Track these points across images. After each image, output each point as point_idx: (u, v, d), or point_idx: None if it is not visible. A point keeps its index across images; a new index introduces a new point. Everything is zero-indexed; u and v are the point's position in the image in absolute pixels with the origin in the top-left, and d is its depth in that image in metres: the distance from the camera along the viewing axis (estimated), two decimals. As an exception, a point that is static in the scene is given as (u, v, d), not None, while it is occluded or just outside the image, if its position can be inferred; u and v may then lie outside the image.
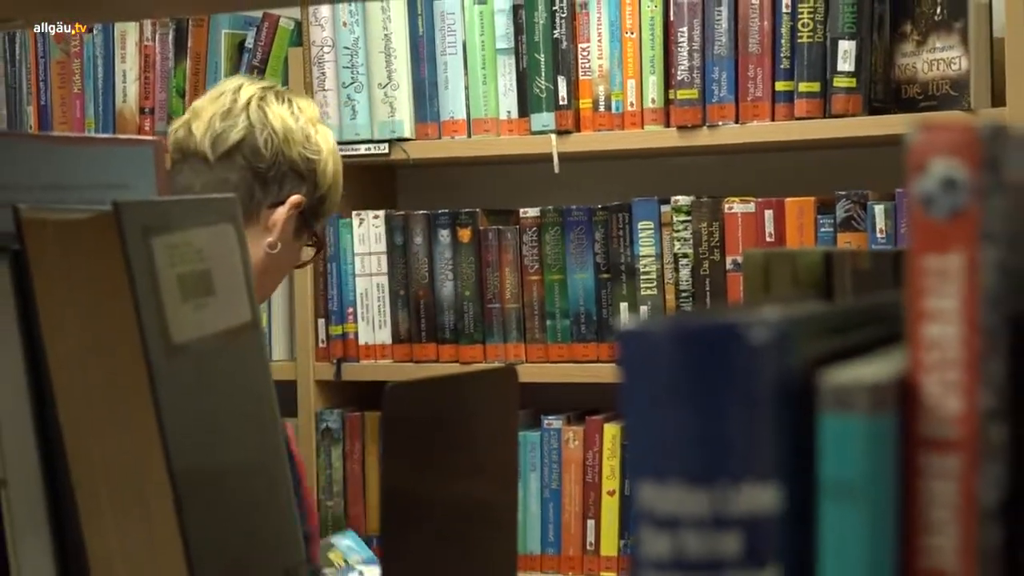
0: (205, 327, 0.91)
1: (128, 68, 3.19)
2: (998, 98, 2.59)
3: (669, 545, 0.44)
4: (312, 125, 2.12)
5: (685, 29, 2.75)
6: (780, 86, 2.70)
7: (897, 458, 0.44)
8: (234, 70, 3.09)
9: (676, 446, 0.43)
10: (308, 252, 2.20)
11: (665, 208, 2.79)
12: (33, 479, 0.88)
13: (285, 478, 1.00)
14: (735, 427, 0.43)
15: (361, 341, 3.01)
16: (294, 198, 2.06)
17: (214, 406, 0.91)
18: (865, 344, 0.49)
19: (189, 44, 3.13)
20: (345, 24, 2.98)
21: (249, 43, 3.10)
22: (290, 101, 2.11)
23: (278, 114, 2.08)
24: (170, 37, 3.15)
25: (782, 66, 2.69)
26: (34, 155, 0.99)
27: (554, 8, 2.83)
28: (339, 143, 2.96)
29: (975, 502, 0.44)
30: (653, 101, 2.77)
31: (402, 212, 3.01)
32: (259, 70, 3.08)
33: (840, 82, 2.65)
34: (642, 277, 2.80)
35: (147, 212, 0.88)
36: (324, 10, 2.96)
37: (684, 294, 2.76)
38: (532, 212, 2.89)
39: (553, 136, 2.83)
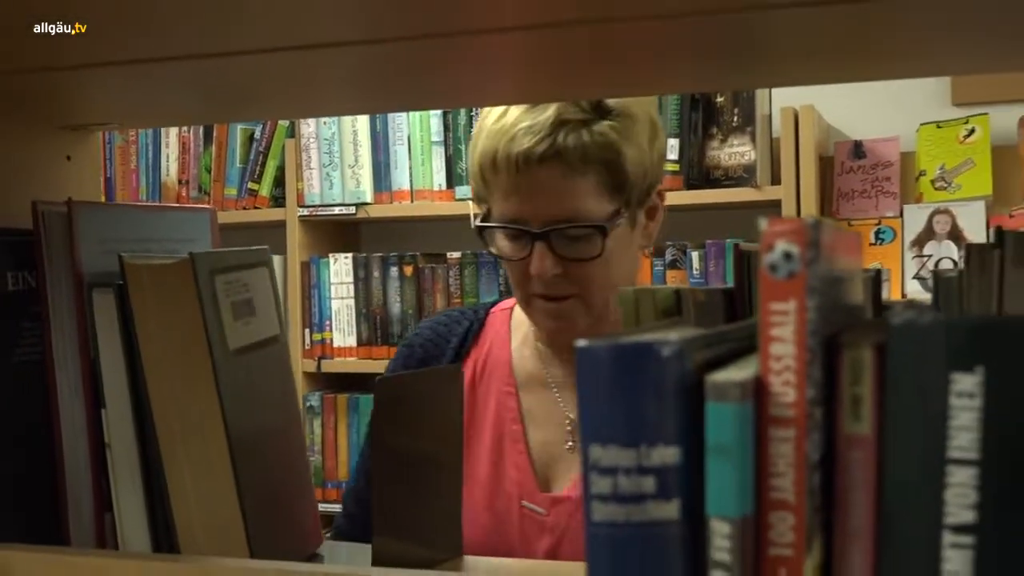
0: (250, 338, 0.91)
1: (170, 152, 3.16)
2: (775, 179, 2.64)
3: (609, 485, 0.45)
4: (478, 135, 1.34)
5: (562, 129, 2.77)
6: (627, 169, 2.72)
7: (755, 430, 0.46)
8: (246, 155, 3.07)
9: (613, 421, 0.45)
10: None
11: (548, 253, 2.80)
12: (130, 442, 0.88)
13: (300, 439, 1.01)
14: (651, 410, 0.45)
15: (335, 344, 2.98)
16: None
17: (255, 391, 0.91)
18: (731, 354, 0.50)
19: (214, 135, 3.11)
20: (325, 122, 2.97)
21: (257, 135, 3.07)
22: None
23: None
24: (200, 130, 3.12)
25: (629, 156, 2.72)
26: (130, 219, 0.98)
27: (472, 113, 2.85)
28: (319, 206, 2.96)
29: (804, 458, 0.46)
30: (540, 179, 2.79)
31: (364, 254, 2.99)
32: (263, 154, 3.06)
33: (668, 167, 2.68)
34: (532, 300, 2.81)
35: (212, 259, 0.89)
36: (310, 112, 2.95)
37: (561, 312, 2.78)
38: (455, 255, 2.89)
39: (471, 202, 2.83)
